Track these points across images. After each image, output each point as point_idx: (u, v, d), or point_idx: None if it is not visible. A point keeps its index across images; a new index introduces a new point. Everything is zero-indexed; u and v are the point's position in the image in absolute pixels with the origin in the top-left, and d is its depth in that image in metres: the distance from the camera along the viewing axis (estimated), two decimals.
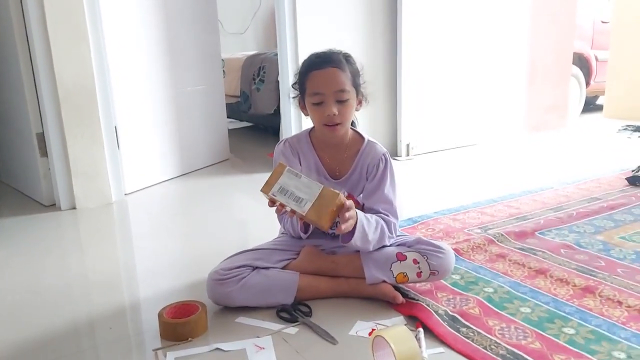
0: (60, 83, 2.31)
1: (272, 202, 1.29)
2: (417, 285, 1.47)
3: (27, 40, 2.32)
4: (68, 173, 2.40)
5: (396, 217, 1.47)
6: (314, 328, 1.29)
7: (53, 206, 2.49)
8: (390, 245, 1.45)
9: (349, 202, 1.27)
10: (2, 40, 2.47)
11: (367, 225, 1.34)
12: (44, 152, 2.44)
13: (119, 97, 2.55)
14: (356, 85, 1.42)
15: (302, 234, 1.46)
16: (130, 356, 1.25)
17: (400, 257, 1.40)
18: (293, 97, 1.49)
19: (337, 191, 1.25)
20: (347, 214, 1.26)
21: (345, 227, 1.26)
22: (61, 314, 1.45)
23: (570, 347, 1.17)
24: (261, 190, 1.29)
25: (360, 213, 1.33)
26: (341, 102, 1.38)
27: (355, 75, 1.42)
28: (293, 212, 1.26)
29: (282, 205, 1.26)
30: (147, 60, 2.77)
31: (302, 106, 1.46)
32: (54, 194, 2.47)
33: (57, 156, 2.39)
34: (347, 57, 1.43)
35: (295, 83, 1.47)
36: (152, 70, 2.81)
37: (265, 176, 1.30)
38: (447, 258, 1.41)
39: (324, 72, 1.37)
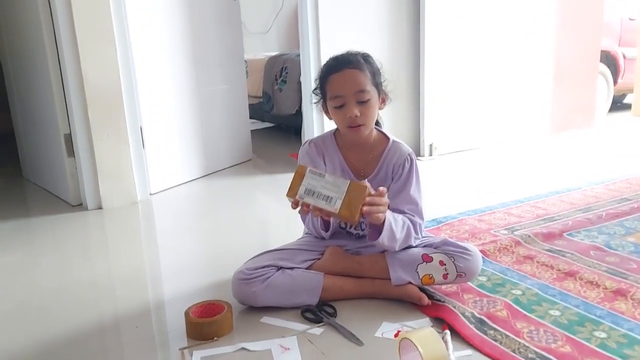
0: (87, 84, 2.35)
1: (295, 204, 1.28)
2: (443, 286, 1.45)
3: (56, 43, 2.36)
4: (94, 173, 2.44)
5: (422, 217, 1.46)
6: (339, 329, 1.29)
7: (80, 206, 2.53)
8: (416, 247, 1.44)
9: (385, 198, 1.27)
10: (32, 43, 2.52)
11: (394, 224, 1.33)
12: (71, 152, 2.48)
13: (144, 98, 2.58)
14: (377, 84, 1.40)
15: (322, 233, 1.46)
16: (156, 355, 1.26)
17: (427, 259, 1.39)
18: (315, 103, 1.49)
19: (364, 183, 1.24)
20: (378, 208, 1.25)
21: (375, 215, 1.25)
22: (88, 313, 1.47)
23: (602, 351, 1.14)
24: (287, 196, 1.27)
25: (388, 211, 1.32)
26: (362, 102, 1.37)
27: (375, 74, 1.41)
28: (318, 210, 1.25)
29: (307, 206, 1.26)
30: (172, 61, 2.80)
31: (326, 110, 1.46)
32: (81, 193, 2.51)
33: (84, 156, 2.43)
34: (365, 57, 1.42)
35: (316, 88, 1.47)
36: (177, 71, 2.83)
37: (287, 176, 1.30)
38: (474, 260, 1.39)
39: (343, 74, 1.37)
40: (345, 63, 1.38)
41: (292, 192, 1.26)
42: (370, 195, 1.24)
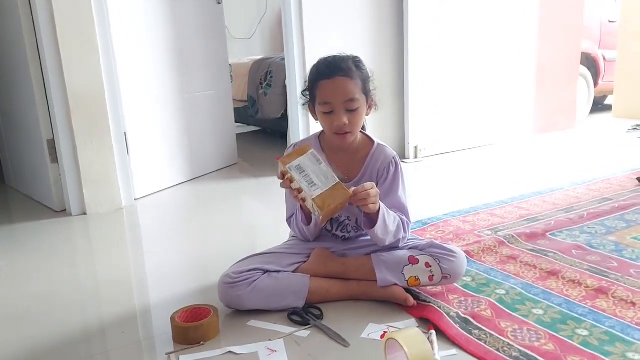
0: (70, 90, 2.33)
1: (282, 176, 1.29)
2: (429, 287, 1.47)
3: (38, 48, 2.34)
4: (78, 179, 2.42)
5: (409, 219, 1.48)
6: (325, 331, 1.29)
7: (64, 212, 2.50)
8: (402, 248, 1.45)
9: (374, 190, 1.30)
10: (13, 48, 2.50)
11: (387, 216, 1.36)
12: (55, 158, 2.46)
13: (128, 103, 2.57)
14: (366, 92, 1.41)
15: (305, 228, 1.47)
16: None
17: (413, 261, 1.40)
18: (302, 105, 1.49)
19: (349, 192, 1.26)
20: (366, 200, 1.27)
21: (367, 206, 1.28)
22: (73, 319, 1.46)
23: (584, 349, 1.16)
24: (281, 160, 1.29)
25: (380, 203, 1.34)
26: (351, 111, 1.37)
27: (365, 81, 1.41)
28: (297, 190, 1.27)
29: (290, 181, 1.27)
30: (156, 67, 2.79)
31: (312, 111, 1.46)
32: (65, 199, 2.49)
33: (67, 162, 2.41)
34: (356, 63, 1.41)
35: (305, 90, 1.47)
36: (161, 77, 2.82)
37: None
38: (459, 262, 1.41)
39: (334, 82, 1.36)
40: (338, 69, 1.37)
41: (287, 159, 1.29)
42: (355, 192, 1.27)
